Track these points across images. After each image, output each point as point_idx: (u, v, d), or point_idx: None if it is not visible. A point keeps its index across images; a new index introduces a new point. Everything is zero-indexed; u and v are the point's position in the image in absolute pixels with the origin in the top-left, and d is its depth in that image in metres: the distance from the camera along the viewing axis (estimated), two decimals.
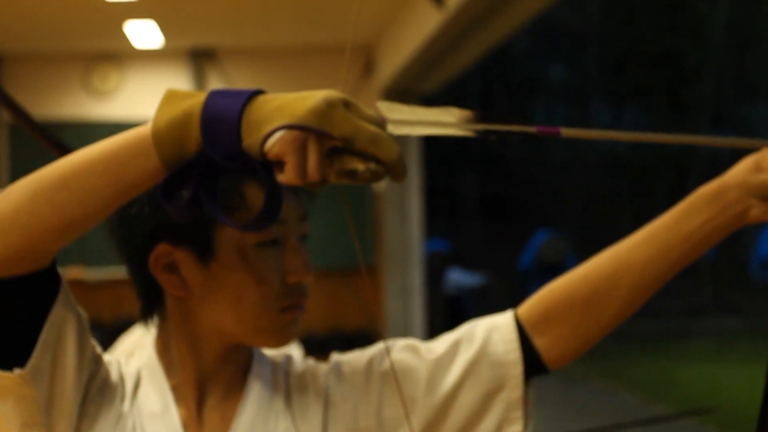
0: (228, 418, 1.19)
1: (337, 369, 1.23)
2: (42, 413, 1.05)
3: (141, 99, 8.48)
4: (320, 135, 0.84)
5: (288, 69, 9.13)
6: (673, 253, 1.16)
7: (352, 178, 0.86)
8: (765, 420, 1.15)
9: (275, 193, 0.90)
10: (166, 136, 0.89)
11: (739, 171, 1.15)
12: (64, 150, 1.17)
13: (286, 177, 0.85)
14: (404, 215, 9.05)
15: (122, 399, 1.17)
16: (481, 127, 0.97)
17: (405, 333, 8.93)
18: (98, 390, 1.15)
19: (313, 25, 8.59)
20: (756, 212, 1.13)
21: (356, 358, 1.24)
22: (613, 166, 23.95)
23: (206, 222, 1.10)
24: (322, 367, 1.25)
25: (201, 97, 0.89)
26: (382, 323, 9.05)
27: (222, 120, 0.85)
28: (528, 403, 1.19)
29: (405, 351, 1.23)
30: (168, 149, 0.89)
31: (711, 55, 22.35)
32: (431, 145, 19.59)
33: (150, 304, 1.20)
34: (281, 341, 1.17)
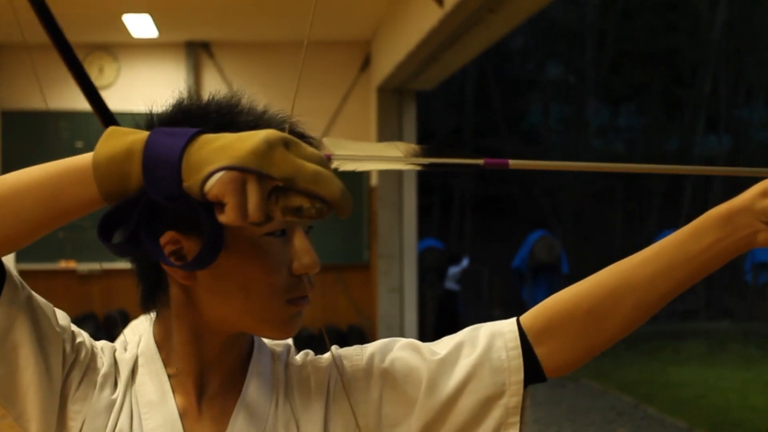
0: (228, 408, 1.19)
1: (339, 363, 1.23)
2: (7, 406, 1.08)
3: (137, 91, 8.47)
4: (260, 175, 0.84)
5: (283, 63, 9.12)
6: (679, 272, 1.16)
7: (297, 215, 0.86)
8: None
9: (216, 233, 0.90)
10: (106, 171, 0.90)
11: (749, 196, 1.16)
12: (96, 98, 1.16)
13: (226, 218, 0.86)
14: (399, 213, 9.05)
15: (115, 386, 1.17)
16: (427, 161, 0.98)
17: (398, 329, 8.93)
18: (84, 376, 1.15)
19: (307, 20, 8.57)
20: (763, 237, 1.14)
21: (357, 353, 1.24)
22: None
23: (214, 213, 1.10)
24: (323, 360, 1.25)
25: (143, 135, 0.90)
26: (375, 319, 9.06)
27: (163, 160, 0.86)
28: (524, 409, 1.20)
29: (406, 350, 1.23)
30: (108, 184, 0.90)
31: (708, 55, 22.37)
32: (426, 142, 19.55)
33: (153, 291, 1.18)
34: (286, 332, 1.17)
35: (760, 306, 16.18)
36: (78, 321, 8.70)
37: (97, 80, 8.99)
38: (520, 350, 1.19)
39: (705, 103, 22.79)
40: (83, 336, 1.17)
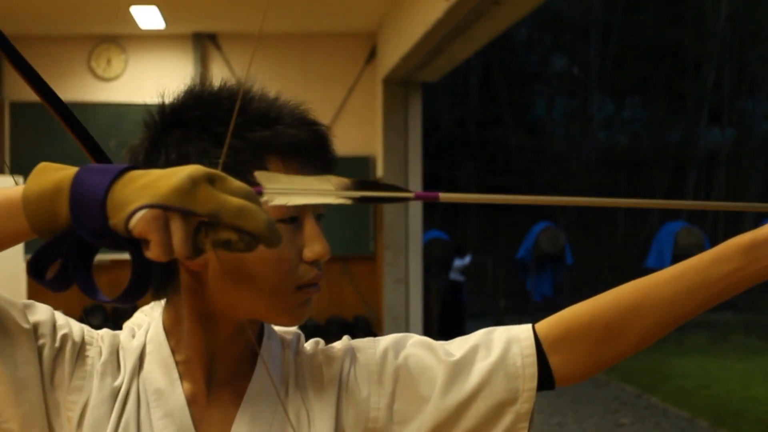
0: (238, 394, 1.19)
1: (352, 355, 1.23)
2: None
3: (144, 83, 8.52)
4: (183, 212, 0.85)
5: (290, 54, 9.16)
6: (698, 295, 1.19)
7: (227, 248, 0.88)
8: None
9: (143, 270, 0.91)
10: (36, 208, 0.91)
11: None
12: (76, 125, 1.16)
13: (152, 254, 0.86)
14: (404, 204, 9.08)
15: (117, 374, 1.18)
16: (358, 194, 0.99)
17: (404, 319, 8.97)
18: (75, 367, 1.15)
19: (314, 12, 8.61)
20: None
21: (371, 346, 1.24)
22: (611, 159, 23.96)
23: None
24: (335, 350, 1.25)
25: (72, 172, 0.90)
26: (381, 310, 9.09)
27: (89, 198, 0.87)
28: (532, 414, 1.22)
29: (420, 348, 1.23)
30: (38, 221, 0.91)
31: (711, 48, 22.35)
32: (432, 133, 19.56)
33: (163, 277, 1.18)
34: (295, 319, 1.17)
35: (762, 297, 16.20)
36: (87, 312, 8.71)
37: (105, 72, 9.04)
38: (535, 358, 1.20)
39: (708, 96, 22.77)
40: (69, 327, 1.16)
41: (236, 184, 0.88)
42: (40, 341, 1.13)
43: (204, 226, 0.86)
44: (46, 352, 1.13)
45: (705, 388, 9.77)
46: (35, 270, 0.91)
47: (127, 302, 0.94)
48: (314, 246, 1.15)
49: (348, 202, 0.99)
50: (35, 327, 1.13)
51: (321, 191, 0.99)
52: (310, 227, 1.15)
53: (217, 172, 0.88)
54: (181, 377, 1.18)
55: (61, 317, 1.16)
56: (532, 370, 1.19)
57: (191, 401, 1.18)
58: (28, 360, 1.11)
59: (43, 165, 0.92)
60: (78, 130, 1.17)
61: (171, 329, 1.20)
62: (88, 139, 1.17)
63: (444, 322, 13.15)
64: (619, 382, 10.25)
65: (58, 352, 1.14)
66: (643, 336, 1.20)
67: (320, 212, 1.18)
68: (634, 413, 8.82)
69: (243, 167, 1.09)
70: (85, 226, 0.87)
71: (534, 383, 1.19)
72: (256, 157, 1.11)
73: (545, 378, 1.20)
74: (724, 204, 1.10)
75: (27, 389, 1.11)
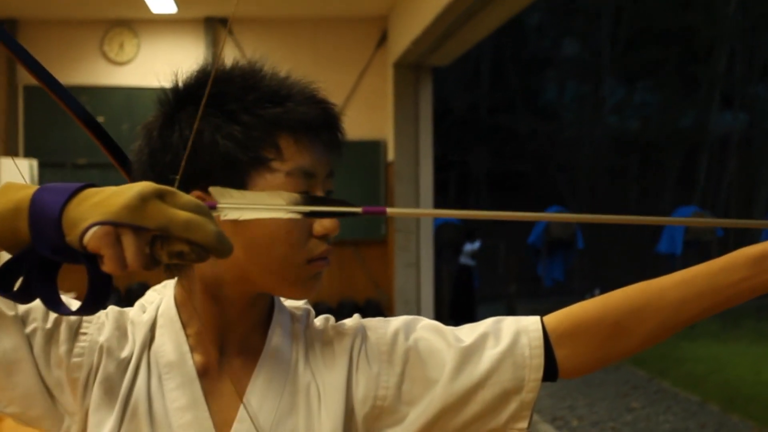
0: (249, 367, 1.22)
1: (363, 332, 1.26)
2: None
3: (156, 67, 8.52)
4: (134, 228, 0.89)
5: (301, 39, 9.16)
6: (705, 301, 1.22)
7: (181, 259, 0.91)
8: None
9: (100, 283, 0.94)
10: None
11: None
12: (81, 110, 1.18)
13: (106, 268, 0.90)
14: (416, 188, 9.10)
15: (124, 348, 1.21)
16: (308, 209, 1.03)
17: (415, 303, 9.00)
18: (73, 345, 1.19)
19: None
20: None
21: (381, 326, 1.27)
22: (623, 143, 23.90)
23: (239, 173, 1.14)
24: (346, 327, 1.27)
25: (31, 191, 0.93)
26: (392, 294, 9.12)
27: (45, 217, 0.90)
28: (534, 403, 1.26)
29: (430, 331, 1.26)
30: (2, 239, 0.94)
31: (723, 32, 22.23)
32: (443, 118, 19.55)
33: None
34: (305, 292, 1.20)
35: None
36: None
37: (118, 56, 9.07)
38: (542, 350, 1.23)
39: (720, 80, 22.67)
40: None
41: (186, 198, 0.91)
42: (32, 326, 1.17)
43: (159, 240, 0.90)
44: (38, 335, 1.17)
45: (716, 373, 9.78)
46: (1, 284, 0.95)
47: (86, 314, 0.98)
48: (324, 221, 1.17)
49: (297, 216, 1.03)
50: (27, 313, 1.17)
51: (272, 206, 1.03)
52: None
53: (168, 188, 0.91)
54: (192, 350, 1.21)
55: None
56: (539, 361, 1.23)
57: (202, 373, 1.21)
58: (17, 346, 1.16)
59: (6, 185, 0.95)
60: (85, 118, 1.20)
61: (183, 303, 1.23)
62: (91, 121, 1.20)
63: (455, 307, 13.18)
64: (631, 366, 10.27)
65: (52, 333, 1.18)
66: (648, 336, 1.23)
67: (329, 189, 1.20)
68: (645, 397, 8.85)
69: (254, 143, 1.14)
70: (44, 243, 0.90)
71: (540, 374, 1.23)
72: (268, 133, 1.15)
73: (549, 370, 1.23)
74: (723, 221, 1.12)
75: (18, 373, 1.16)
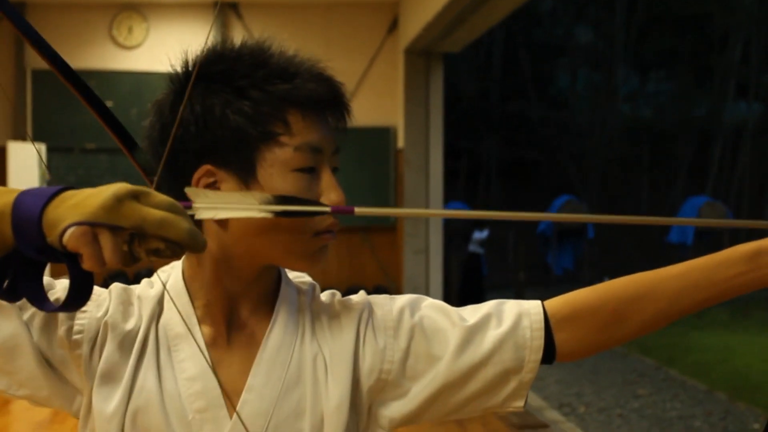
0: (257, 337, 1.25)
1: (370, 307, 1.30)
2: None
3: (165, 51, 8.53)
4: (111, 227, 0.93)
5: (311, 24, 9.15)
6: (701, 294, 1.27)
7: (157, 256, 0.96)
8: None
9: (80, 281, 0.99)
10: None
11: None
12: (88, 93, 1.21)
13: (86, 266, 0.94)
14: (426, 175, 9.09)
15: (129, 322, 1.25)
16: (279, 208, 1.10)
17: (424, 290, 9.01)
18: (73, 322, 1.23)
19: None
20: None
21: (387, 303, 1.31)
22: (635, 132, 23.82)
23: (249, 147, 1.18)
24: (354, 302, 1.31)
25: (14, 196, 0.97)
26: (401, 281, 9.13)
27: (26, 220, 0.94)
28: (531, 383, 1.31)
29: (434, 310, 1.31)
30: None
31: (739, 21, 22.11)
32: (454, 105, 19.50)
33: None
34: (312, 264, 1.23)
35: None
36: (111, 277, 8.80)
37: (126, 40, 9.07)
38: (543, 332, 1.27)
39: (735, 70, 22.56)
40: (54, 288, 1.23)
41: (160, 197, 0.96)
42: (30, 311, 1.22)
43: (137, 238, 0.95)
44: (37, 320, 1.22)
45: (724, 362, 9.76)
46: None
47: (69, 310, 1.06)
48: (330, 194, 1.21)
49: (269, 215, 1.09)
50: (24, 300, 1.22)
51: (245, 206, 1.09)
52: (327, 177, 1.22)
53: (142, 188, 0.96)
54: (201, 321, 1.25)
55: (57, 284, 1.23)
56: (539, 343, 1.27)
57: (211, 344, 1.25)
58: (16, 332, 1.21)
59: None
60: (93, 102, 1.23)
61: (191, 276, 1.27)
62: (98, 103, 1.23)
63: (464, 294, 13.19)
64: (639, 354, 10.27)
65: (50, 316, 1.23)
66: (644, 325, 1.29)
67: (335, 165, 1.24)
68: (652, 385, 8.84)
69: (264, 118, 1.17)
70: (27, 244, 0.95)
71: (539, 355, 1.27)
72: (277, 109, 1.19)
73: (547, 352, 1.28)
74: (726, 222, 1.14)
75: (20, 357, 1.21)
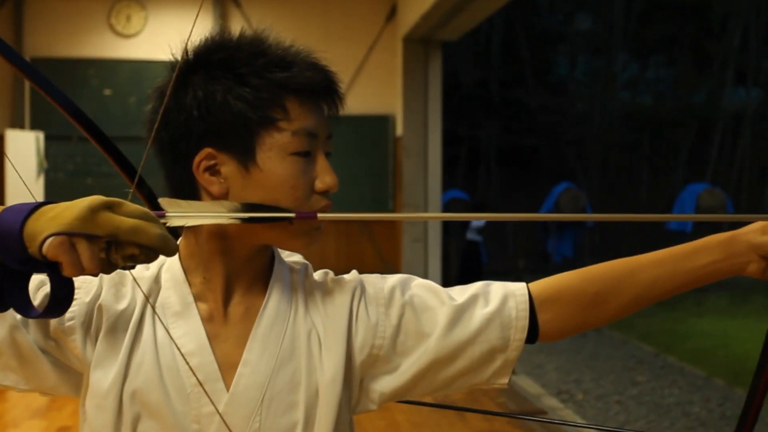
0: (252, 312, 1.31)
1: (362, 285, 1.36)
2: None
3: (164, 39, 8.52)
4: (87, 236, 1.00)
5: (310, 13, 9.14)
6: (677, 280, 1.34)
7: (133, 261, 1.04)
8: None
9: (61, 288, 1.06)
10: None
11: (750, 230, 1.33)
12: (71, 106, 1.28)
13: (66, 273, 1.02)
14: (424, 163, 9.10)
15: (122, 303, 1.30)
16: (246, 215, 1.19)
17: (422, 278, 9.01)
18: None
19: None
20: (754, 267, 1.32)
21: (379, 281, 1.37)
22: (635, 119, 23.79)
23: (249, 131, 1.24)
24: (347, 280, 1.37)
25: None
26: (400, 268, 9.14)
27: (8, 233, 1.01)
28: (516, 361, 1.38)
29: (424, 289, 1.37)
30: None
31: (738, 7, 22.06)
32: (453, 93, 19.49)
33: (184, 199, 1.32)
34: (307, 243, 1.30)
35: None
36: None
37: (125, 29, 9.07)
38: (527, 313, 1.35)
39: (734, 56, 22.53)
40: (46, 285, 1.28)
41: (132, 207, 1.03)
42: None
43: (113, 245, 1.02)
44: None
45: (722, 348, 9.79)
46: None
47: (52, 317, 1.11)
48: (325, 177, 1.28)
49: (237, 221, 1.19)
50: None
51: (214, 213, 1.19)
52: (321, 161, 1.29)
53: (115, 199, 1.03)
54: (197, 298, 1.31)
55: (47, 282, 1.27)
56: (524, 323, 1.35)
57: (207, 319, 1.31)
58: (12, 328, 1.26)
59: None
60: (82, 120, 1.30)
61: (188, 255, 1.33)
62: (89, 123, 1.30)
63: (462, 282, 13.13)
64: (637, 341, 10.29)
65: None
66: (623, 307, 1.36)
67: (329, 150, 1.31)
68: (651, 371, 8.87)
69: (263, 104, 1.23)
70: (10, 256, 1.01)
71: (524, 334, 1.35)
72: (276, 95, 1.25)
73: (531, 332, 1.35)
74: (717, 216, 1.19)
75: (20, 352, 1.27)
